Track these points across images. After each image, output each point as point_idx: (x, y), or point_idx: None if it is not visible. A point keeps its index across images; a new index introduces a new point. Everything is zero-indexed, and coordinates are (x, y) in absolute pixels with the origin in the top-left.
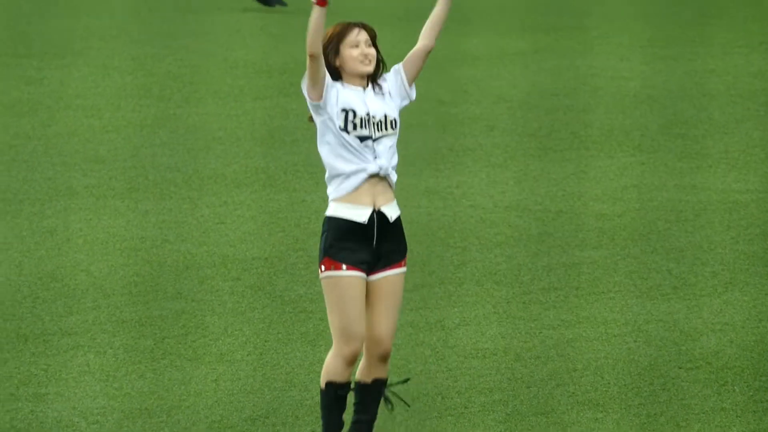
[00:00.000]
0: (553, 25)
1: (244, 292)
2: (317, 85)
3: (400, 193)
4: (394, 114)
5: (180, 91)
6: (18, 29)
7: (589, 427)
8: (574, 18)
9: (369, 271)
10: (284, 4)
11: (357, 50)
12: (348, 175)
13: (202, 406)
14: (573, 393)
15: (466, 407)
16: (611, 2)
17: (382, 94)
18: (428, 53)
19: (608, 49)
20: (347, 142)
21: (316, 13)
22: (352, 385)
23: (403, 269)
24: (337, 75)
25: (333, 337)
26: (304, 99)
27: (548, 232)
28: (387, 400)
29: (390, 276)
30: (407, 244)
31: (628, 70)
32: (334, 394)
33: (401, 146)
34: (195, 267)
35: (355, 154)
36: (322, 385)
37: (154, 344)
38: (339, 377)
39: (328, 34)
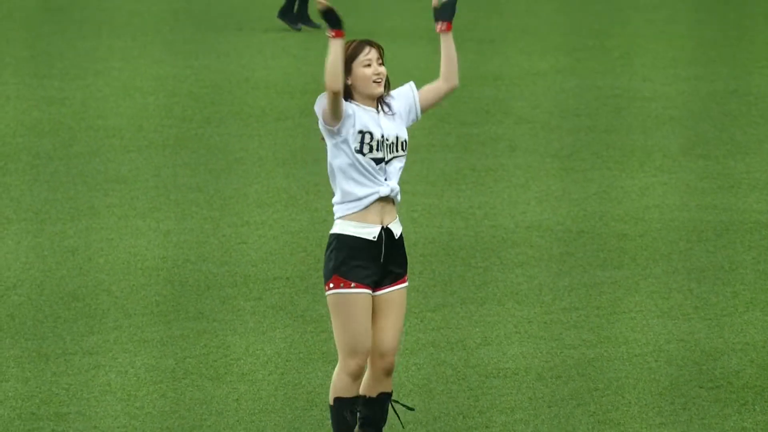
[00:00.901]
0: (576, 46)
1: (266, 312)
2: (337, 116)
3: (423, 213)
4: (405, 135)
5: (202, 112)
6: (40, 49)
7: None
8: (596, 38)
9: (375, 287)
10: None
11: (370, 69)
12: (360, 198)
13: (224, 425)
14: (594, 412)
15: (487, 427)
16: (633, 23)
17: (392, 114)
18: (451, 92)
19: (630, 69)
20: (361, 164)
21: (335, 46)
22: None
23: (406, 284)
24: (347, 93)
25: (339, 353)
26: (316, 119)
27: (570, 252)
28: (396, 414)
29: (395, 291)
30: (407, 259)
31: (650, 90)
32: (342, 409)
33: (423, 166)
34: (216, 287)
35: (368, 177)
36: (331, 401)
37: (176, 364)
38: (347, 393)
39: (345, 53)
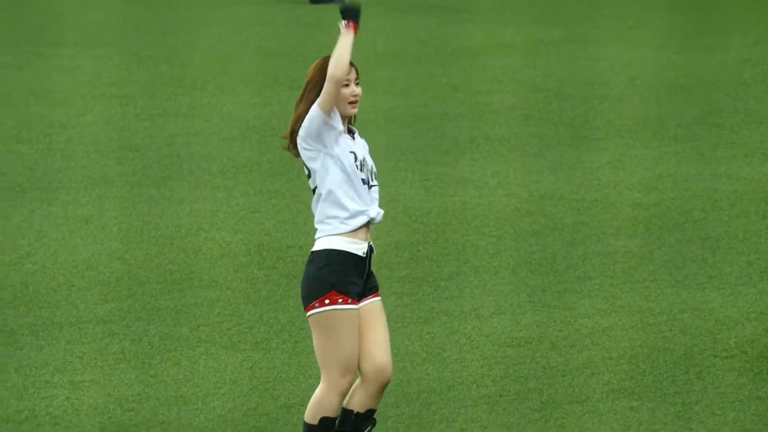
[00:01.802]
0: (589, 15)
1: (279, 281)
2: (331, 113)
3: (436, 182)
4: (373, 167)
5: (214, 80)
6: (53, 19)
7: (624, 416)
8: (609, 7)
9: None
10: (338, 1)
11: (347, 90)
12: (353, 215)
13: (238, 393)
14: (608, 381)
15: (500, 395)
16: None
17: (364, 146)
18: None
19: (643, 38)
20: (355, 179)
21: (348, 39)
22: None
23: (380, 297)
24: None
25: (327, 373)
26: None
27: (583, 221)
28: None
29: (376, 301)
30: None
31: (664, 59)
32: (326, 428)
33: (436, 134)
34: (230, 255)
35: (360, 195)
36: (314, 420)
37: (190, 332)
38: (333, 412)
39: (317, 72)
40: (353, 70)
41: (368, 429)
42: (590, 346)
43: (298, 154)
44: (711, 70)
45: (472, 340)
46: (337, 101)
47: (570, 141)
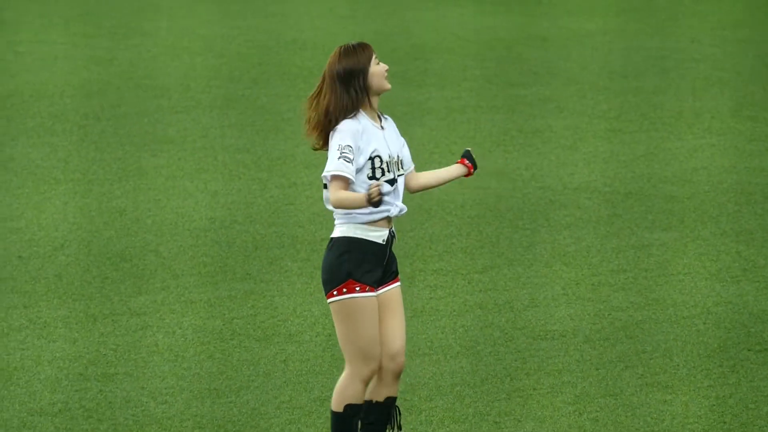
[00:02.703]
0: (623, 7)
1: (313, 273)
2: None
3: None
4: (401, 153)
5: (249, 72)
6: (89, 9)
7: (658, 409)
8: (644, 0)
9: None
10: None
11: (379, 67)
12: (371, 213)
13: (271, 386)
14: (642, 375)
15: (534, 389)
16: None
17: (393, 129)
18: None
19: (678, 31)
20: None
21: (361, 204)
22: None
23: (399, 282)
24: (362, 97)
25: (349, 360)
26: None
27: (618, 214)
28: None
29: (394, 288)
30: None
31: (698, 52)
32: (353, 416)
33: (470, 127)
34: (264, 248)
35: (383, 202)
36: (339, 408)
37: (223, 325)
38: (358, 399)
39: (353, 58)
40: (372, 51)
41: (395, 417)
42: (624, 339)
43: (322, 147)
44: (746, 63)
45: (506, 333)
46: (375, 81)
47: (604, 133)
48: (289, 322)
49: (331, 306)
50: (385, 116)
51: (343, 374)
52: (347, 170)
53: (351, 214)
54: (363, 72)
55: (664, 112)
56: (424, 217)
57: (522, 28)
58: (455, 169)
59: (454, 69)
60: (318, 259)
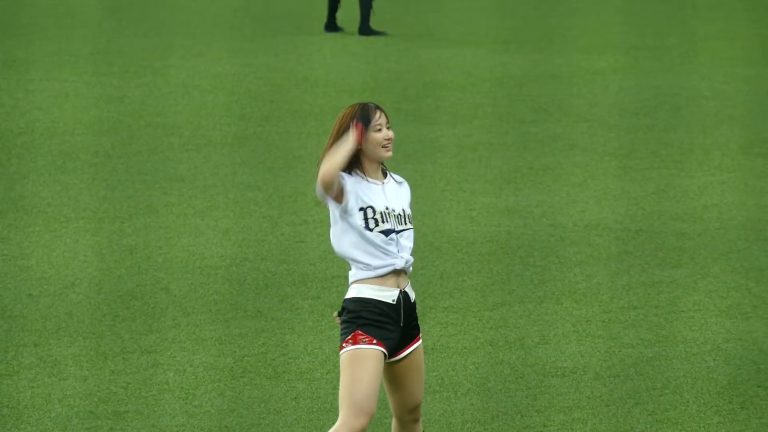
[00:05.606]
0: (634, 45)
1: (324, 311)
2: (338, 197)
3: (480, 212)
4: (409, 210)
5: (260, 110)
6: (99, 47)
7: None
8: (654, 37)
9: (394, 352)
10: (385, 33)
11: (381, 134)
12: (376, 268)
13: (282, 424)
14: (652, 411)
15: (545, 426)
16: (692, 22)
17: (399, 184)
18: None
19: (689, 68)
20: (371, 240)
21: (348, 148)
22: None
23: (421, 340)
24: (354, 162)
25: (343, 412)
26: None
27: (628, 251)
28: None
29: (416, 350)
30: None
31: (709, 89)
32: None
33: (482, 164)
34: (275, 285)
35: (382, 250)
36: None
37: (234, 362)
38: None
39: (340, 121)
40: (383, 115)
41: None
42: (634, 376)
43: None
44: (757, 100)
45: (517, 371)
46: (370, 148)
47: (615, 171)
48: (300, 359)
49: (340, 359)
50: (400, 179)
51: (334, 426)
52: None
53: (358, 266)
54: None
55: (675, 149)
56: (435, 255)
57: (533, 66)
58: None
59: (465, 106)
60: (329, 296)
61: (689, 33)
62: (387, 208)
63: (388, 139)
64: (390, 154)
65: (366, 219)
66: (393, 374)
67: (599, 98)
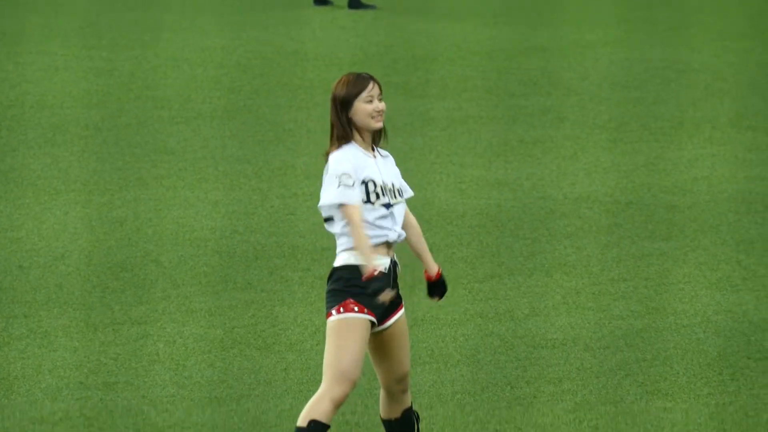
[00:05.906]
0: (624, 18)
1: (314, 283)
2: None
3: (470, 185)
4: (398, 183)
5: (250, 83)
6: (89, 21)
7: (658, 417)
8: (645, 10)
9: (381, 317)
10: (374, 7)
11: (371, 106)
12: (370, 238)
13: (272, 395)
14: (642, 383)
15: (535, 397)
16: None
17: (385, 161)
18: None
19: (679, 41)
20: (371, 212)
21: (365, 258)
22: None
23: (403, 309)
24: (348, 130)
25: (327, 379)
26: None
27: (618, 224)
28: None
29: (401, 317)
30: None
31: (699, 62)
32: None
33: (471, 137)
34: (265, 258)
35: (379, 225)
36: (303, 423)
37: (224, 334)
38: (324, 418)
39: (345, 89)
40: (376, 86)
41: (417, 425)
42: (624, 347)
43: None
44: (746, 73)
45: (507, 342)
46: (359, 119)
47: (604, 143)
48: (290, 331)
49: (327, 326)
50: (385, 153)
51: (317, 392)
52: (351, 198)
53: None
54: (348, 105)
55: (665, 122)
56: (425, 227)
57: (523, 39)
58: (428, 262)
59: (455, 79)
60: (318, 269)
61: (679, 6)
62: (383, 182)
63: (378, 111)
64: (380, 125)
65: (368, 192)
66: (379, 343)
67: (589, 71)
